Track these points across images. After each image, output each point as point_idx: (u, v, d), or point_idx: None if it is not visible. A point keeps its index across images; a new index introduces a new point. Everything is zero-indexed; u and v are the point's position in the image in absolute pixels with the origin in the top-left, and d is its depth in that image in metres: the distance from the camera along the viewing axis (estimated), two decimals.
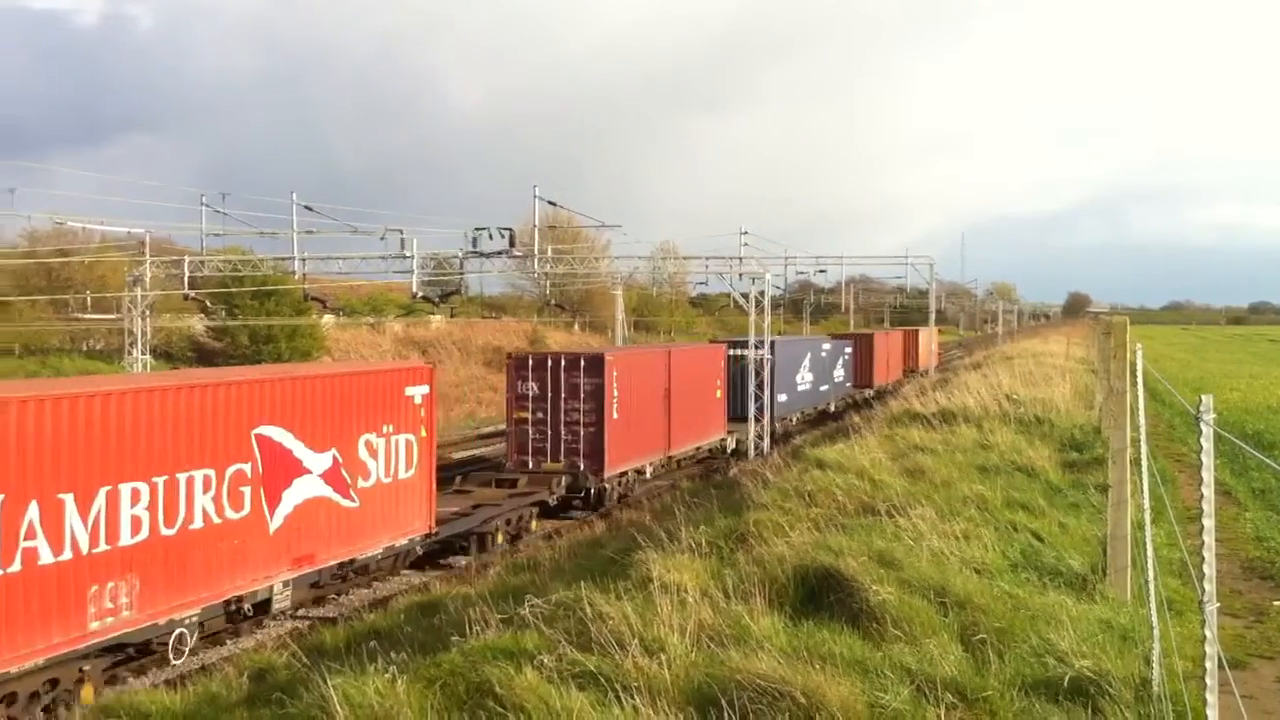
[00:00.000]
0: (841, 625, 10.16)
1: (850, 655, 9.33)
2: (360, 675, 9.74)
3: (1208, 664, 6.15)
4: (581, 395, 30.72)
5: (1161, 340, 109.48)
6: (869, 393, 61.07)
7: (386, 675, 9.50)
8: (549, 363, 31.27)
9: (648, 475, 34.37)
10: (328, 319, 64.50)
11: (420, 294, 42.67)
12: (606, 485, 31.09)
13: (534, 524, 28.47)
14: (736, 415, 41.80)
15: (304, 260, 41.20)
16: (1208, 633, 6.10)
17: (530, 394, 31.01)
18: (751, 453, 39.94)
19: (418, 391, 23.30)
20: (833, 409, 54.43)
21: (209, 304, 50.13)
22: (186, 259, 42.71)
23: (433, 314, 70.04)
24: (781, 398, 45.56)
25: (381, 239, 39.47)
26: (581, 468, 30.68)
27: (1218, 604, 6.20)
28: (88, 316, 60.79)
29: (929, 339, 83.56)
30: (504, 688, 8.83)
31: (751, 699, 8.30)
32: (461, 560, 25.18)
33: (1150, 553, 9.33)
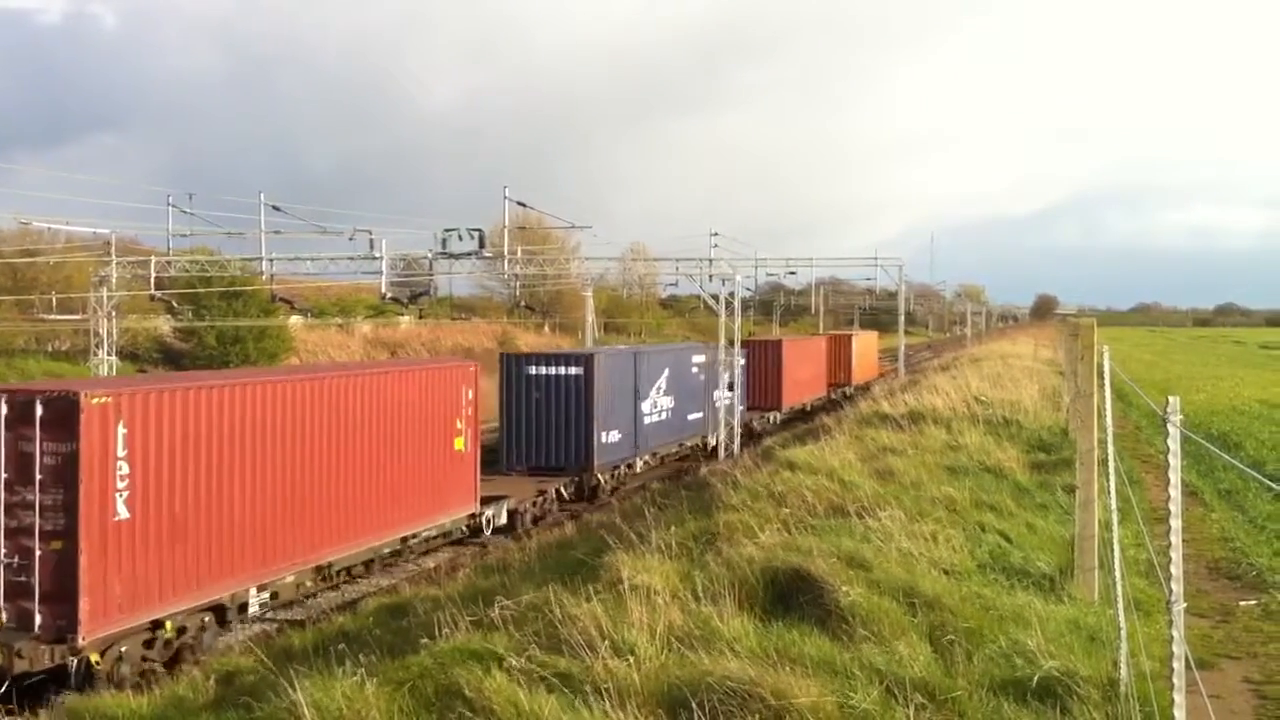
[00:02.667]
0: (811, 626, 10.16)
1: (820, 656, 9.33)
2: (328, 678, 9.68)
3: (1175, 664, 6.18)
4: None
5: (1129, 342, 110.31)
6: (774, 417, 51.14)
7: (355, 678, 9.45)
8: None
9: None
10: (295, 320, 64.21)
11: (389, 295, 42.51)
12: None
13: None
14: (521, 464, 32.29)
15: (272, 261, 40.98)
16: (1175, 633, 6.13)
17: None
18: (721, 453, 39.95)
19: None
20: (712, 443, 42.10)
21: (176, 305, 49.82)
22: (153, 259, 42.39)
23: (402, 315, 69.84)
24: (611, 436, 33.46)
25: (350, 239, 39.32)
26: None
27: (1185, 604, 6.23)
28: (53, 317, 60.29)
29: (866, 346, 71.56)
30: (473, 690, 8.80)
31: (721, 700, 8.29)
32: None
33: (1117, 553, 9.37)
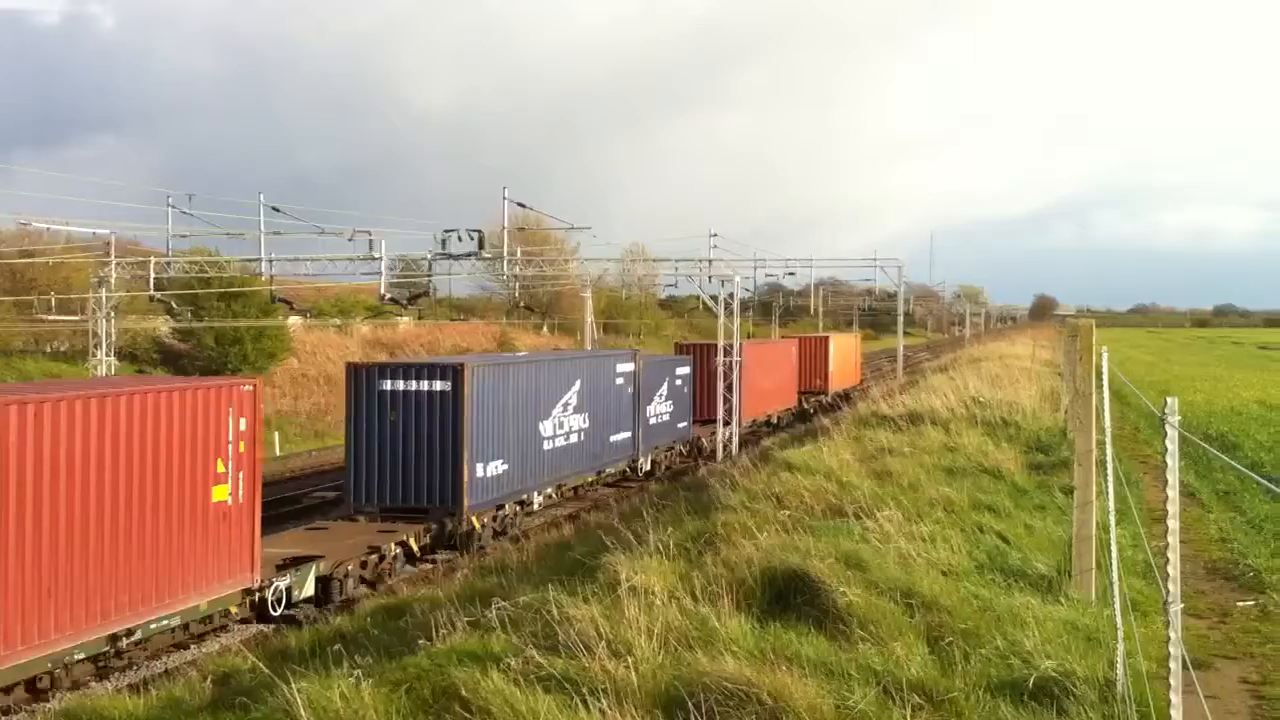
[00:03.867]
0: (809, 627, 10.17)
1: (817, 657, 9.34)
2: (325, 679, 9.68)
3: (1172, 664, 6.19)
4: None
5: (1127, 343, 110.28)
6: (730, 433, 42.40)
7: (351, 679, 9.45)
8: None
9: None
10: (294, 320, 64.12)
11: (388, 296, 42.48)
12: None
13: None
14: (372, 505, 25.88)
15: (271, 261, 40.96)
16: (1172, 633, 6.14)
17: None
18: (719, 454, 39.96)
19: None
20: (646, 467, 36.34)
21: (174, 305, 49.77)
22: (152, 260, 42.37)
23: (401, 316, 69.80)
24: (492, 468, 26.86)
25: (349, 240, 39.27)
26: None
27: (1182, 605, 6.23)
28: (52, 318, 60.24)
29: (845, 349, 65.01)
30: (470, 691, 8.79)
31: (719, 701, 8.29)
32: None
33: (1115, 554, 9.38)
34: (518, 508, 28.38)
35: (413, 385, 25.58)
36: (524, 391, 28.21)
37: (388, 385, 25.57)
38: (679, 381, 39.98)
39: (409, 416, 25.45)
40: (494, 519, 27.07)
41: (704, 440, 42.61)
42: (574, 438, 31.31)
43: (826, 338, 61.08)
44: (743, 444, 41.69)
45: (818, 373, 58.31)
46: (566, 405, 30.73)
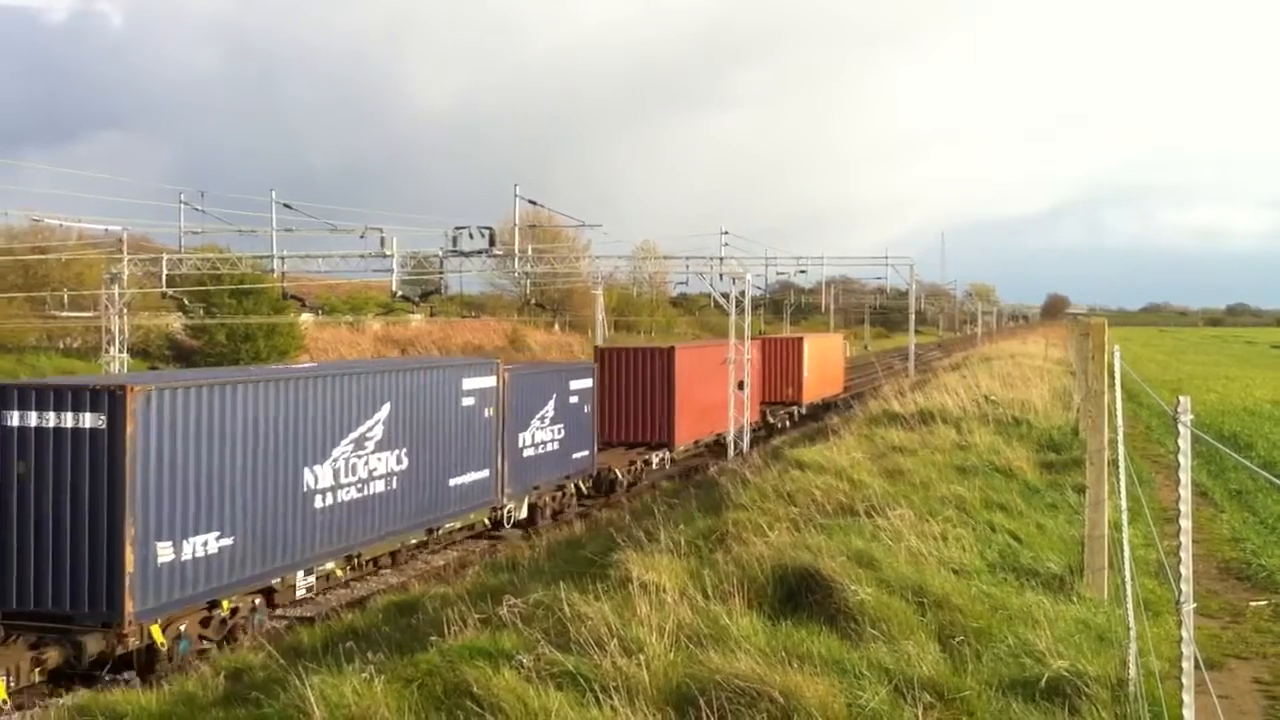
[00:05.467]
0: (820, 625, 10.17)
1: (828, 655, 9.34)
2: (337, 675, 9.71)
3: (1184, 664, 6.18)
4: None
5: (1139, 342, 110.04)
6: (660, 459, 36.00)
7: (364, 675, 9.48)
8: None
9: None
10: (306, 317, 64.27)
11: (400, 293, 42.51)
12: None
13: None
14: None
15: (283, 259, 41.05)
16: (1184, 633, 6.13)
17: None
18: (731, 452, 39.95)
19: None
20: (519, 515, 27.81)
21: (187, 302, 49.92)
22: (164, 257, 42.50)
23: (412, 313, 69.93)
24: (192, 547, 17.22)
25: (361, 237, 39.34)
26: None
27: (1194, 604, 6.23)
28: (64, 314, 60.48)
29: (825, 352, 56.56)
30: (482, 688, 8.81)
31: (730, 699, 8.30)
32: None
33: (1127, 553, 9.35)
34: (256, 600, 19.12)
35: (50, 420, 16.17)
36: (271, 422, 18.70)
37: (13, 419, 16.14)
38: (575, 399, 30.35)
39: (44, 468, 16.13)
40: (204, 623, 17.90)
41: (617, 471, 33.22)
42: (379, 485, 21.74)
43: (800, 339, 52.51)
44: (685, 473, 35.57)
45: (789, 380, 50.44)
46: (364, 440, 21.24)
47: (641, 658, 9.12)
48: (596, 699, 8.47)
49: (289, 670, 11.00)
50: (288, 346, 61.45)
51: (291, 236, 40.88)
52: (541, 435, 28.63)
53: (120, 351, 41.44)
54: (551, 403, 29.14)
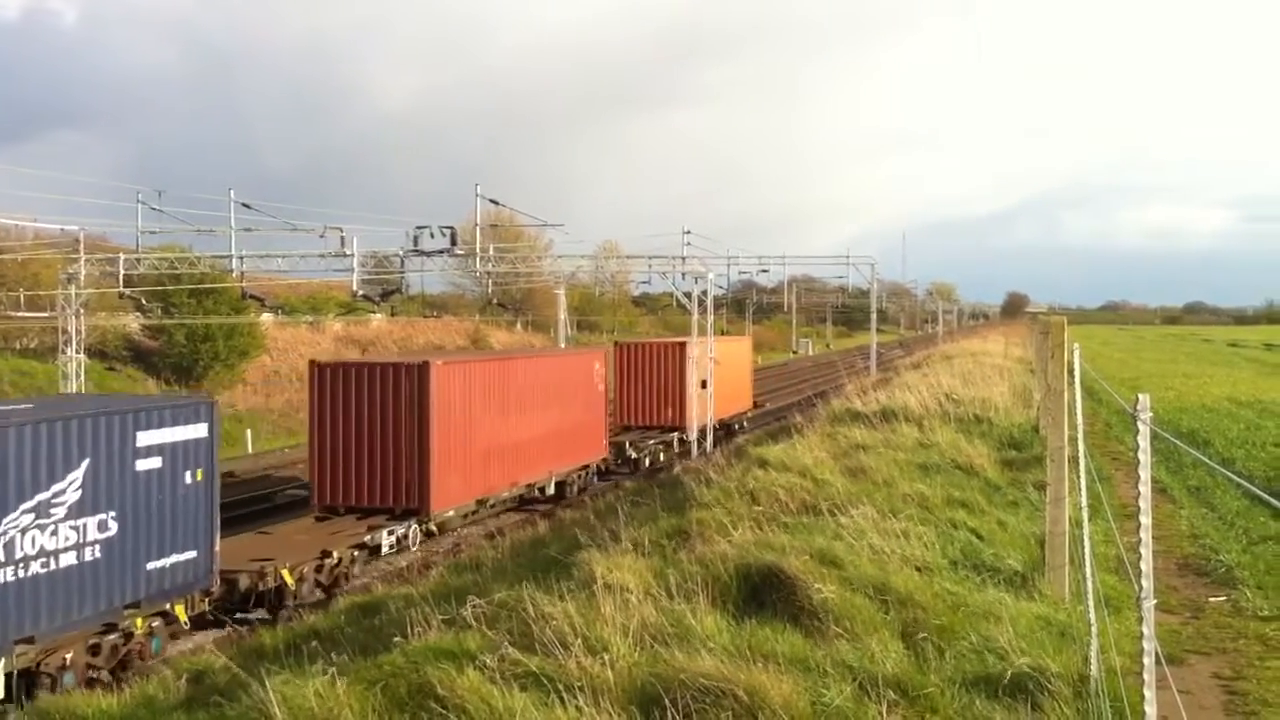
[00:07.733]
0: (784, 624, 10.18)
1: (793, 653, 9.35)
2: (300, 676, 9.63)
3: (1145, 660, 6.23)
4: None
5: (1098, 340, 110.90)
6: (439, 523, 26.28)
7: (326, 676, 9.40)
8: None
9: None
10: (266, 317, 63.76)
11: (360, 293, 42.32)
12: None
13: None
14: None
15: (242, 258, 40.72)
16: (1145, 629, 6.17)
17: None
18: (694, 452, 39.99)
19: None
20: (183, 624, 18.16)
21: (145, 302, 49.42)
22: (121, 257, 42.06)
23: (373, 313, 69.51)
24: None
25: (321, 237, 39.10)
26: None
27: (1155, 600, 6.27)
28: (20, 315, 59.73)
29: (729, 361, 46.19)
30: (446, 689, 8.76)
31: (695, 698, 8.29)
32: None
33: (1088, 550, 9.42)
34: None
35: None
36: None
37: None
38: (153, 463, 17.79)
39: None
40: None
41: (245, 578, 20.48)
42: None
43: (683, 343, 41.90)
44: (422, 566, 24.22)
45: (667, 399, 40.97)
46: None
47: (606, 657, 9.09)
48: (561, 699, 8.44)
49: (251, 672, 10.91)
50: (247, 347, 60.94)
51: (251, 236, 40.53)
52: (64, 535, 16.08)
53: (77, 352, 41.01)
54: (103, 470, 16.80)
